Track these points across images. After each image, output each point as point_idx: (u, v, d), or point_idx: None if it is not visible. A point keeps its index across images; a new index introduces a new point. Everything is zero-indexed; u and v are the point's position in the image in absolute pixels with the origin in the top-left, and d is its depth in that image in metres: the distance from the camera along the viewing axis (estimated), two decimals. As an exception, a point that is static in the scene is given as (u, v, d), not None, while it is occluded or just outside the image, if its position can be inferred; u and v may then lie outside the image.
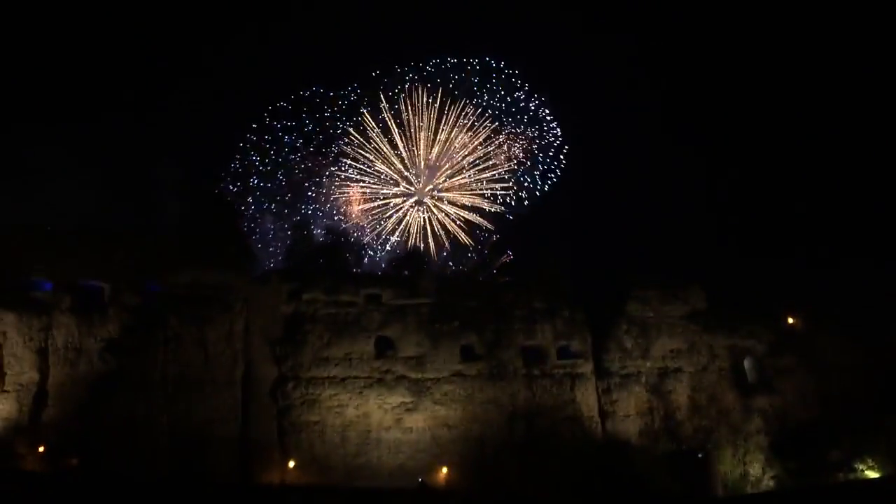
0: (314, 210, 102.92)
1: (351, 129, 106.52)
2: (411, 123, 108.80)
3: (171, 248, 73.63)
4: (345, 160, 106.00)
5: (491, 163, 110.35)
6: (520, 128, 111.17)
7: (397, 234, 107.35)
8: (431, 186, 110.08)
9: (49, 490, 58.65)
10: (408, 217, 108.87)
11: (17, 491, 57.90)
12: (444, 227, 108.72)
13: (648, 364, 76.28)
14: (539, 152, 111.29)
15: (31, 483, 59.08)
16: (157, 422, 64.38)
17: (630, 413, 74.82)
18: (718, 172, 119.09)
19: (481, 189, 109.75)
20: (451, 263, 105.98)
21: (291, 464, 66.47)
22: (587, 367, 75.58)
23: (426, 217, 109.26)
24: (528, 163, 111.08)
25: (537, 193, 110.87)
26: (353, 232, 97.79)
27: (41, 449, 62.46)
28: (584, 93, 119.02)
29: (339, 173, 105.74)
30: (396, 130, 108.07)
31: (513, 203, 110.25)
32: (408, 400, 71.02)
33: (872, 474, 70.35)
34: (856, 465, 71.22)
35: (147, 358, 66.22)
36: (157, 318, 67.44)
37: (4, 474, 59.18)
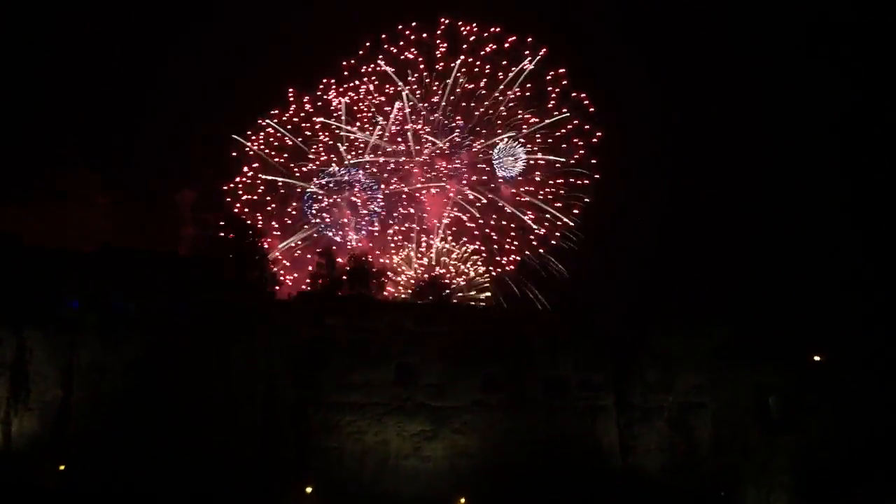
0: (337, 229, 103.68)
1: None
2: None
3: (196, 270, 74.67)
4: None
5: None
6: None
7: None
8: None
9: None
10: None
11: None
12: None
13: (671, 399, 75.19)
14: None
15: (52, 501, 59.63)
16: (178, 442, 64.78)
17: (651, 448, 73.76)
18: (746, 204, 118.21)
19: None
20: None
21: (309, 489, 66.34)
22: (609, 400, 74.81)
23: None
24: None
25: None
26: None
27: (62, 467, 63.04)
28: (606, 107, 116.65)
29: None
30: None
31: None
32: (427, 428, 70.69)
33: (901, 518, 68.63)
34: (884, 508, 69.53)
35: (170, 378, 66.90)
36: (181, 339, 68.16)
37: (26, 491, 59.79)
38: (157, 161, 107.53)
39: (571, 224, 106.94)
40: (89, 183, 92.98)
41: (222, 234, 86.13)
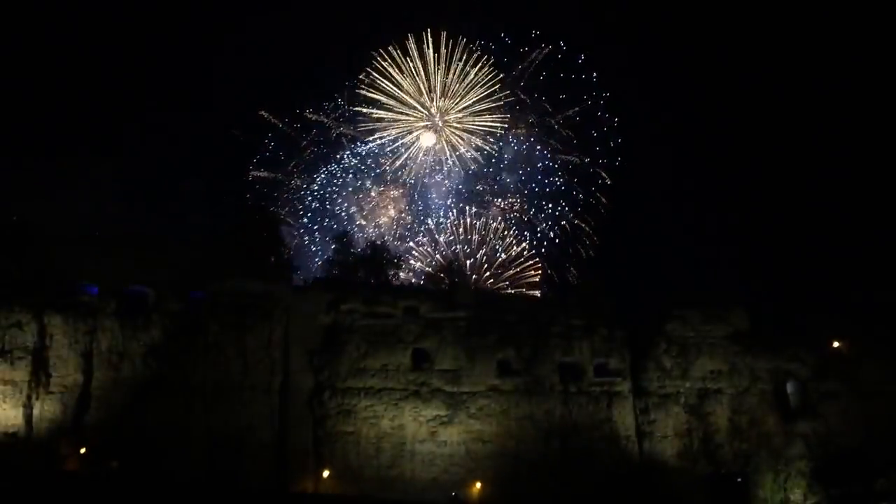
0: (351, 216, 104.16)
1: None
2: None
3: (214, 257, 75.14)
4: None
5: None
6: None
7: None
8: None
9: (90, 491, 59.86)
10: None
11: (59, 491, 59.23)
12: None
13: (688, 384, 74.87)
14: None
15: (73, 484, 60.37)
16: (196, 427, 65.56)
17: (668, 434, 73.49)
18: (765, 192, 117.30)
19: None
20: None
21: (326, 473, 66.83)
22: (625, 386, 74.61)
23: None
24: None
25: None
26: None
27: (83, 450, 63.85)
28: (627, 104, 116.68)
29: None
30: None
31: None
32: (443, 413, 70.85)
33: (920, 505, 68.13)
34: (903, 495, 69.02)
35: (188, 363, 67.58)
36: (199, 325, 68.80)
37: (47, 475, 60.59)
38: (167, 149, 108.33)
39: (587, 227, 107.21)
40: (100, 171, 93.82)
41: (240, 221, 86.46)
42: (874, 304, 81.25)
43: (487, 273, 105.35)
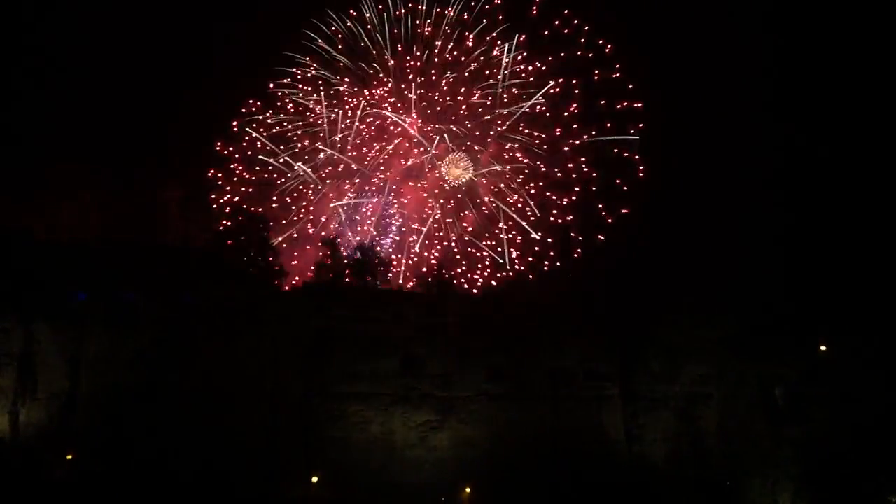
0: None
1: None
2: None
3: (203, 262, 74.94)
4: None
5: None
6: None
7: None
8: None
9: (76, 498, 59.56)
10: None
11: (44, 498, 58.89)
12: None
13: (677, 388, 75.11)
14: None
15: (58, 490, 60.05)
16: (185, 432, 65.09)
17: (657, 437, 73.78)
18: (755, 197, 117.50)
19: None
20: None
21: (315, 479, 66.54)
22: (614, 390, 74.80)
23: None
24: None
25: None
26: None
27: (69, 457, 63.46)
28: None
29: None
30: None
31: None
32: (433, 418, 70.82)
33: (907, 508, 68.51)
34: (890, 499, 69.39)
35: (176, 369, 67.21)
36: (188, 331, 68.41)
37: (33, 481, 60.23)
38: (142, 157, 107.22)
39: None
40: (78, 179, 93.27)
41: (227, 227, 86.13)
42: (862, 309, 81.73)
43: None
